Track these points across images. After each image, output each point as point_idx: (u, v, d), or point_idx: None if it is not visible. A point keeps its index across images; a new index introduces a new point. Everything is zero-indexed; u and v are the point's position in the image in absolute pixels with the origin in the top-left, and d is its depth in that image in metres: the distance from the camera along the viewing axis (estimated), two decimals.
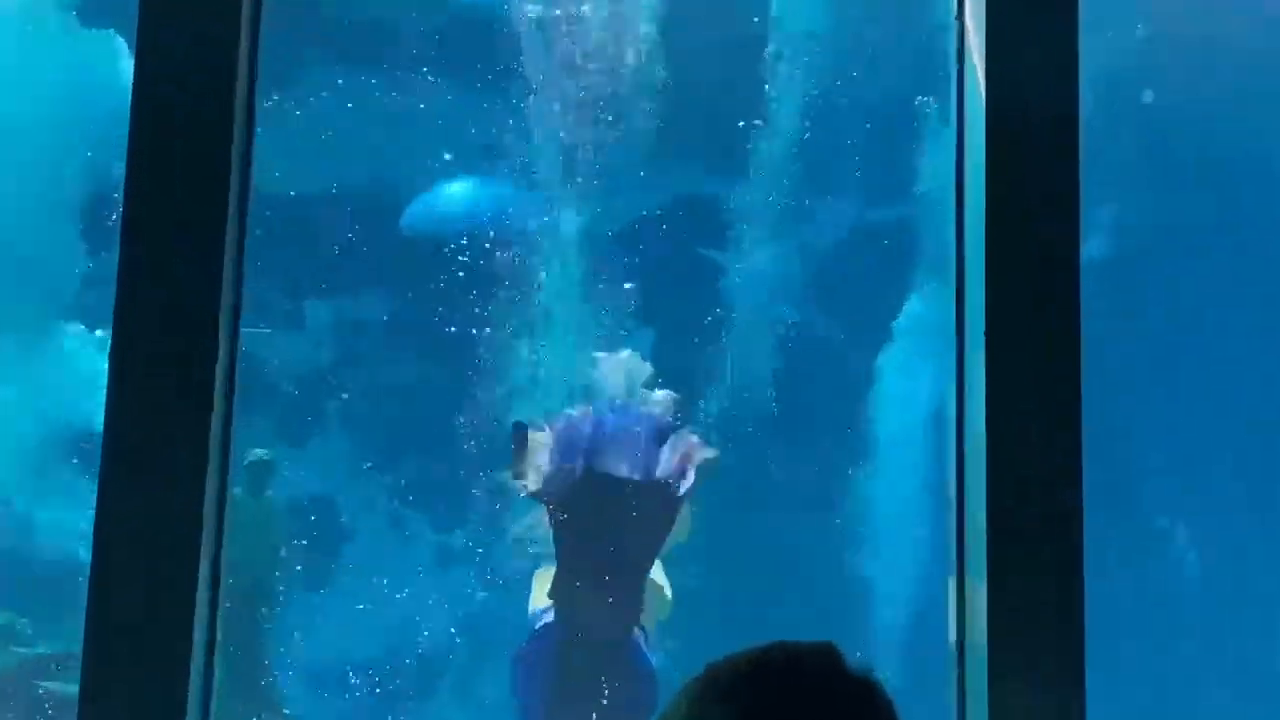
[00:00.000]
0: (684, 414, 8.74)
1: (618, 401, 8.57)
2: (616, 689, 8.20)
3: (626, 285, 15.49)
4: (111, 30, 14.31)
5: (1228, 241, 16.34)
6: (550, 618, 8.36)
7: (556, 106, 15.27)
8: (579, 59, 15.17)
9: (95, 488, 3.28)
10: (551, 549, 8.58)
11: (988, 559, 3.19)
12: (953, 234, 3.47)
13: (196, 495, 3.25)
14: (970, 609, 3.31)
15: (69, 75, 14.68)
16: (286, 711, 13.60)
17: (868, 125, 15.96)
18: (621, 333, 15.73)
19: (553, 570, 8.52)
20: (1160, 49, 15.69)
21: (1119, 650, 12.71)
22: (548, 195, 15.71)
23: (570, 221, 15.60)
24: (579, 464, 8.17)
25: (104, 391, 3.28)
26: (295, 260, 15.72)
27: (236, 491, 12.38)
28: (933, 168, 14.92)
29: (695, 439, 8.42)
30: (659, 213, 16.52)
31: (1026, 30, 3.34)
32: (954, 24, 3.49)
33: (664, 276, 15.76)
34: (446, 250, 16.08)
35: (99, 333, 14.00)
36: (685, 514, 8.49)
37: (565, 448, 8.26)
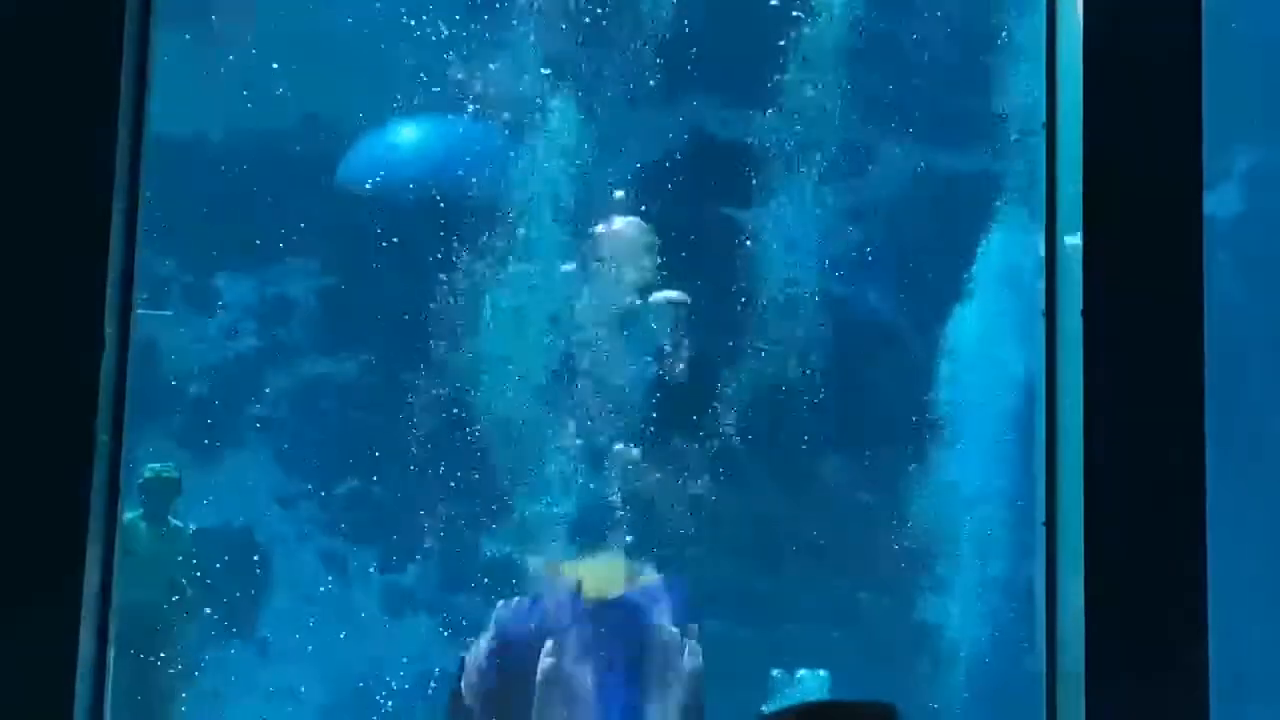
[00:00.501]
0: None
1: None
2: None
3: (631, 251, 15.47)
4: None
5: None
6: None
7: (532, 25, 15.27)
8: None
9: None
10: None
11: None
12: (1042, 188, 3.47)
13: (78, 523, 3.24)
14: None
15: None
16: None
17: (929, 54, 15.96)
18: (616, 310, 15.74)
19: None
20: None
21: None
22: (523, 140, 15.69)
23: (554, 173, 15.59)
24: None
25: None
26: (203, 224, 15.69)
27: (130, 518, 12.40)
28: (1016, 107, 14.91)
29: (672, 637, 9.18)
30: (668, 161, 16.51)
31: None
32: None
33: (676, 242, 15.76)
34: (394, 211, 16.05)
35: None
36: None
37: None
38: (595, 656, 8.98)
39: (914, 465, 15.88)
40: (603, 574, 9.25)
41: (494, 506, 15.79)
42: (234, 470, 16.50)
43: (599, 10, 15.33)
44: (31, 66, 3.41)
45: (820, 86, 15.96)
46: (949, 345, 16.14)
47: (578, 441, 15.40)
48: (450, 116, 16.54)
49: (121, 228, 3.39)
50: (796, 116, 16.09)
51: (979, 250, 15.88)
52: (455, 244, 15.64)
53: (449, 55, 15.80)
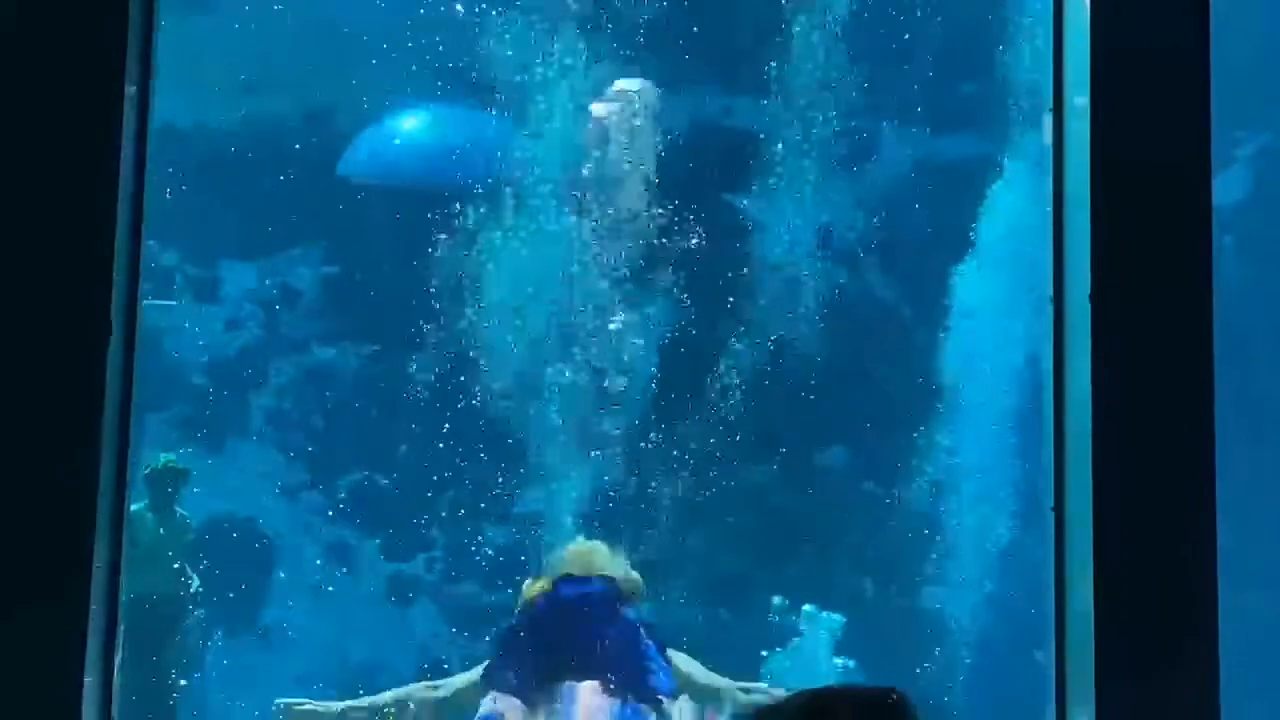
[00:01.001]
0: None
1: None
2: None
3: (631, 243, 15.49)
4: None
5: None
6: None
7: (534, 13, 15.26)
8: None
9: None
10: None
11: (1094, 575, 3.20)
12: (1049, 171, 3.47)
13: (86, 514, 3.24)
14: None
15: None
16: None
17: (931, 39, 15.94)
18: (620, 298, 15.74)
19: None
20: None
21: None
22: (524, 129, 15.70)
23: (556, 163, 15.60)
24: None
25: None
26: (206, 214, 15.69)
27: (136, 508, 12.41)
28: (1021, 87, 14.90)
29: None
30: (671, 148, 16.50)
31: None
32: None
33: (678, 230, 15.76)
34: (397, 201, 16.05)
35: None
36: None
37: None
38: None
39: (917, 451, 15.89)
40: (584, 555, 9.43)
41: (502, 494, 15.83)
42: (239, 460, 16.51)
43: None
44: (36, 57, 3.41)
45: (821, 73, 15.96)
46: (952, 326, 16.16)
47: (578, 429, 15.43)
48: (452, 106, 16.54)
49: (127, 218, 3.39)
50: (798, 104, 16.09)
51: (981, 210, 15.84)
52: (456, 232, 15.65)
53: (453, 44, 15.80)
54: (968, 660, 15.36)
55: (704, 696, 9.60)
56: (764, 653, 14.34)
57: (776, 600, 14.84)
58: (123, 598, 3.48)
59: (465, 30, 15.53)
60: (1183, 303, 3.42)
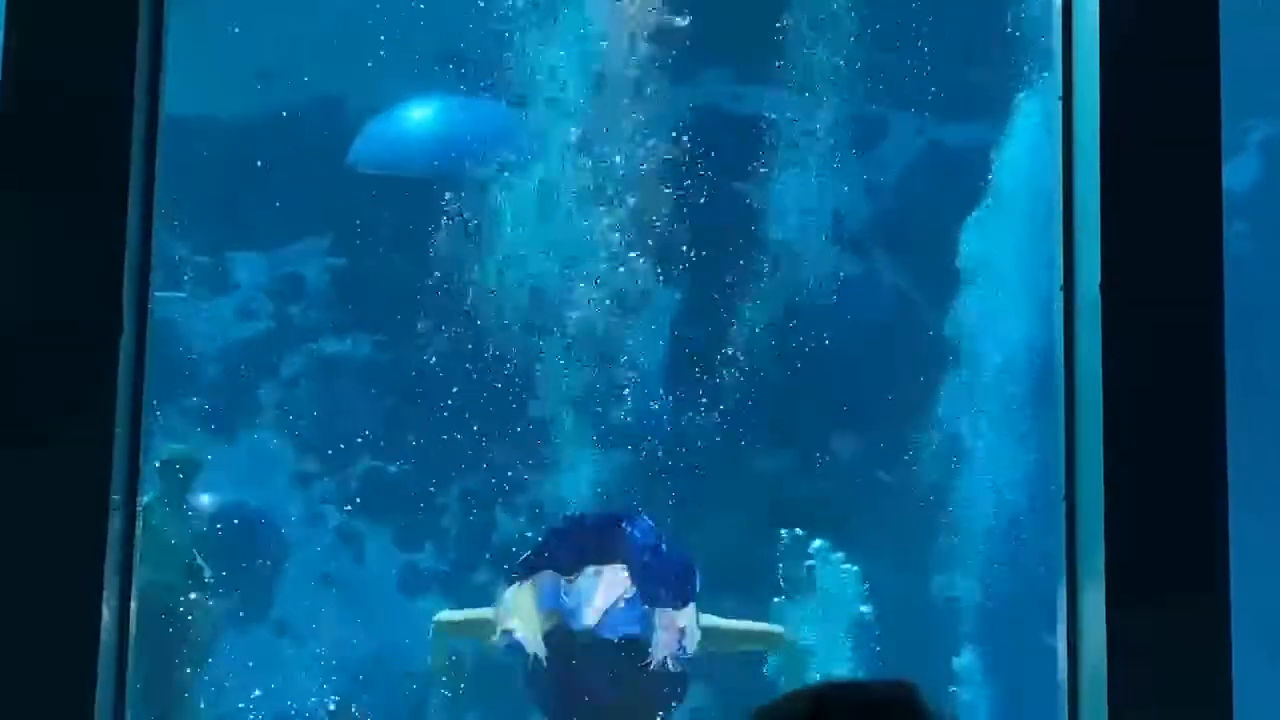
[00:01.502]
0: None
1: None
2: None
3: (641, 230, 15.48)
4: None
5: None
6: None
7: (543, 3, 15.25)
8: None
9: None
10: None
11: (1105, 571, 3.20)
12: (1059, 157, 3.46)
13: (99, 506, 3.25)
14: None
15: None
16: None
17: (940, 26, 15.92)
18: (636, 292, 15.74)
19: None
20: None
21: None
22: (535, 117, 15.68)
23: (565, 151, 15.58)
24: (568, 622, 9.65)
25: None
26: (216, 205, 15.70)
27: (148, 499, 12.42)
28: (1029, 72, 14.88)
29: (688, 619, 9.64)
30: (680, 137, 16.49)
31: None
32: None
33: (689, 217, 15.74)
34: (407, 190, 16.05)
35: None
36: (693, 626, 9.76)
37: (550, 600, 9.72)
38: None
39: (930, 440, 15.88)
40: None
41: (513, 482, 15.84)
42: (250, 450, 16.52)
43: None
44: (46, 49, 3.41)
45: (831, 60, 15.94)
46: (961, 319, 16.14)
47: (589, 418, 15.44)
48: (462, 96, 16.53)
49: (138, 210, 3.40)
50: (808, 90, 16.07)
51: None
52: (465, 223, 15.65)
53: (460, 31, 15.79)
54: (979, 646, 15.36)
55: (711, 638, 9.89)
56: (776, 599, 14.41)
57: (784, 534, 14.88)
58: (136, 586, 3.49)
59: (473, 17, 15.51)
60: (1194, 289, 3.42)
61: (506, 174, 15.75)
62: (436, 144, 16.31)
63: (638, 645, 9.58)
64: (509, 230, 15.63)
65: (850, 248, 16.69)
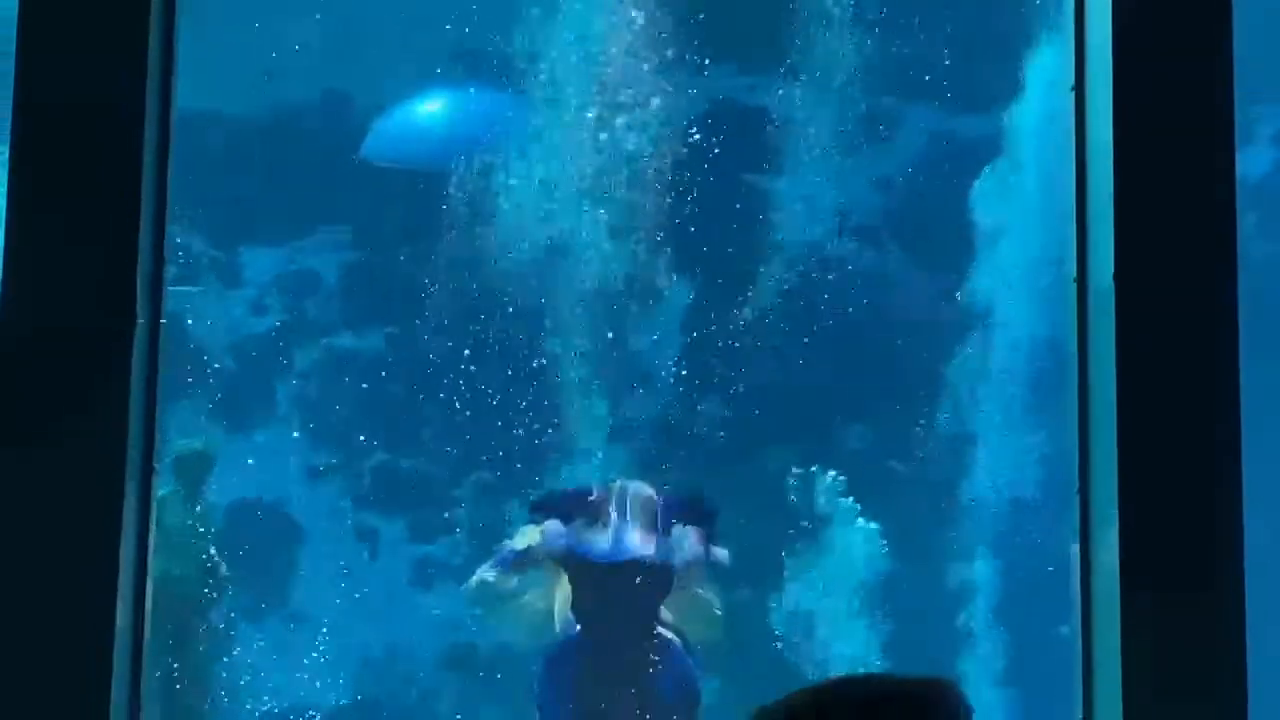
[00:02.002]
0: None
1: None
2: (652, 689, 9.85)
3: (653, 223, 15.47)
4: None
5: None
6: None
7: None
8: None
9: None
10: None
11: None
12: (1071, 149, 3.45)
13: (114, 501, 3.24)
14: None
15: None
16: None
17: (951, 17, 15.89)
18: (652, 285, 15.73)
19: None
20: None
21: None
22: (545, 111, 15.67)
23: (576, 144, 15.57)
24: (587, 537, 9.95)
25: None
26: (229, 200, 15.70)
27: (162, 494, 12.43)
28: (1042, 61, 14.85)
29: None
30: (690, 129, 16.47)
31: None
32: None
33: (698, 210, 15.72)
34: (418, 184, 16.04)
35: None
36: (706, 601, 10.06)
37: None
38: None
39: (941, 429, 15.87)
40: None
41: (527, 476, 15.84)
42: (264, 444, 16.53)
43: None
44: (58, 45, 3.41)
45: (842, 52, 15.91)
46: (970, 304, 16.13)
47: (602, 411, 15.44)
48: (472, 88, 16.53)
49: (150, 206, 3.39)
50: (819, 83, 16.05)
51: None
52: (477, 217, 15.65)
53: (472, 25, 15.78)
54: (993, 635, 15.35)
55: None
56: (783, 553, 14.45)
57: (794, 472, 14.93)
58: (151, 581, 3.49)
59: (482, 11, 15.50)
60: (1207, 280, 3.40)
61: (518, 167, 15.74)
62: (449, 137, 16.30)
63: (654, 570, 9.76)
64: (520, 224, 15.62)
65: (862, 240, 16.67)
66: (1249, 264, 3.62)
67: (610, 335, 15.55)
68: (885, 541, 14.86)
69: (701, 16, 15.51)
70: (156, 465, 3.52)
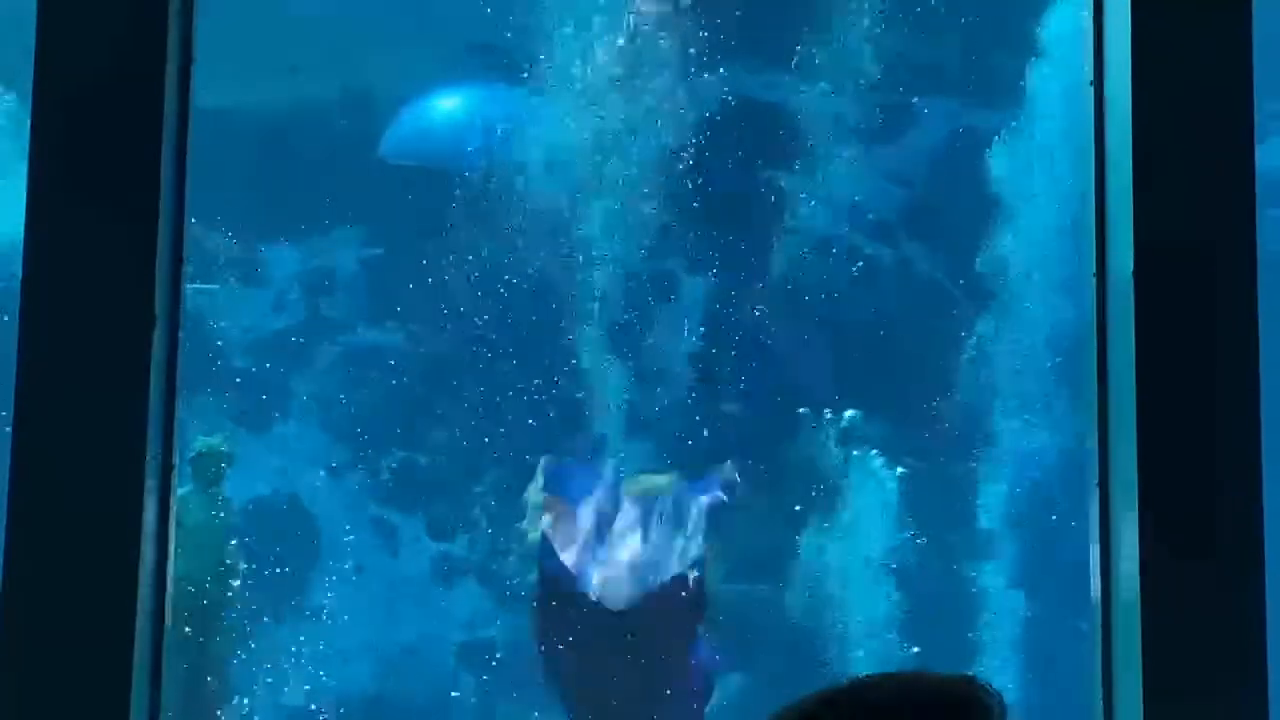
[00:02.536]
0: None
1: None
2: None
3: (672, 220, 15.47)
4: None
5: None
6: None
7: None
8: None
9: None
10: None
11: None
12: (1090, 140, 3.44)
13: (133, 499, 3.24)
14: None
15: None
16: None
17: (967, 12, 15.87)
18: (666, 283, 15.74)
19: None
20: None
21: None
22: (564, 108, 15.67)
23: (594, 141, 15.57)
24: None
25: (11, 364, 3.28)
26: (250, 197, 15.72)
27: (182, 492, 12.45)
28: (1059, 55, 14.82)
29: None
30: (709, 127, 16.47)
31: None
32: None
33: (718, 206, 15.72)
34: (437, 181, 16.05)
35: None
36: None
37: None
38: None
39: (962, 427, 15.85)
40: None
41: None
42: (284, 441, 16.55)
43: None
44: (78, 41, 3.41)
45: (859, 48, 15.90)
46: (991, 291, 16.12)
47: (620, 405, 15.45)
48: (491, 85, 16.53)
49: (170, 202, 3.39)
50: (836, 78, 16.03)
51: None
52: (494, 213, 15.65)
53: (490, 22, 15.78)
54: (1013, 632, 15.34)
55: None
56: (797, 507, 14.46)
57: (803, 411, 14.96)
58: (170, 579, 3.49)
59: (501, 7, 15.51)
60: (1227, 273, 3.39)
61: (534, 163, 15.75)
62: (467, 135, 16.30)
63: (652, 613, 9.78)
64: (536, 220, 15.62)
65: (879, 235, 16.65)
66: (1266, 258, 3.61)
67: (628, 330, 15.55)
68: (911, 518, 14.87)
69: (718, 19, 15.51)
70: (176, 462, 3.52)
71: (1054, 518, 14.66)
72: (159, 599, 3.41)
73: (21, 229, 3.43)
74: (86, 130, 3.43)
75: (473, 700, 15.84)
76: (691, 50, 15.58)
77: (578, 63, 15.45)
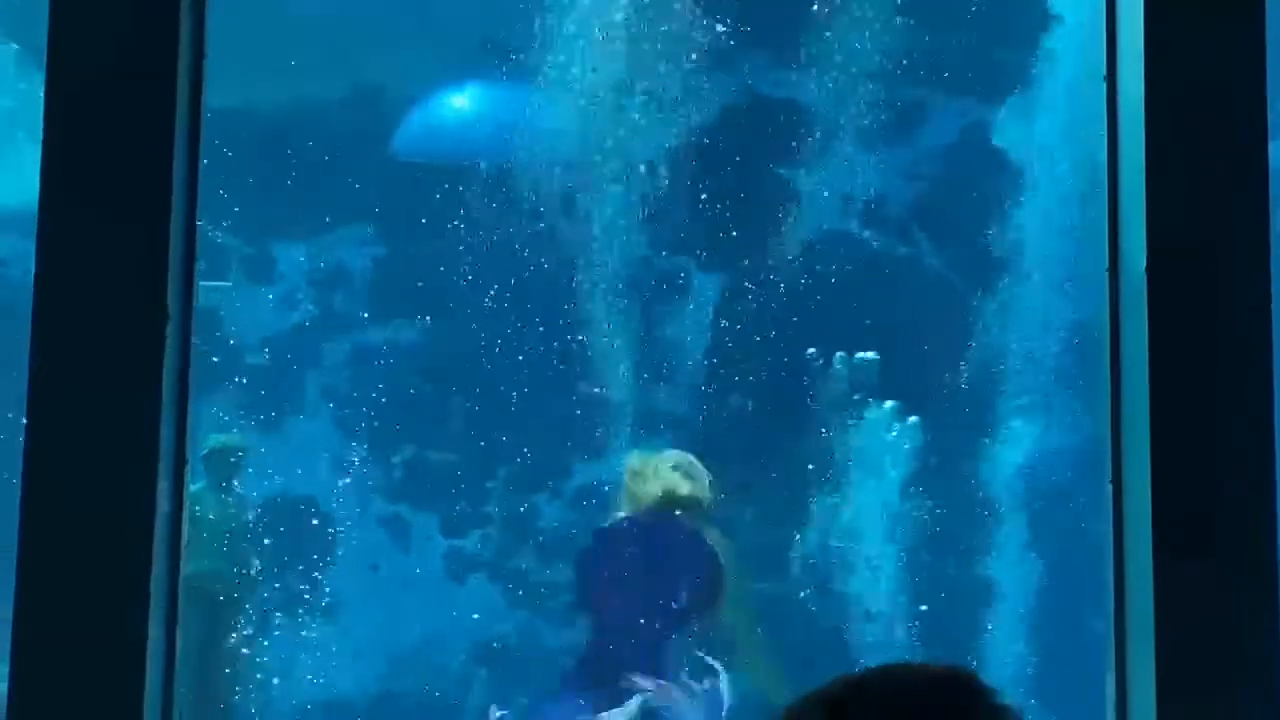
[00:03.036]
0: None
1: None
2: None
3: (682, 215, 15.46)
4: None
5: None
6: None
7: None
8: None
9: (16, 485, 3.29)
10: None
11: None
12: (1103, 137, 3.43)
13: (146, 497, 3.24)
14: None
15: None
16: None
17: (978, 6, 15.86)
18: (679, 280, 15.74)
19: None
20: None
21: None
22: (576, 105, 15.67)
23: (607, 137, 15.57)
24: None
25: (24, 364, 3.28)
26: (260, 195, 15.73)
27: (195, 489, 12.46)
28: (1071, 48, 14.81)
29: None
30: (718, 121, 16.45)
31: None
32: None
33: (728, 202, 15.71)
34: (448, 178, 16.06)
35: None
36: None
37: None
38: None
39: (972, 422, 15.84)
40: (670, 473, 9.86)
41: (557, 468, 15.86)
42: (296, 438, 16.56)
43: None
44: (87, 41, 3.41)
45: (870, 44, 15.89)
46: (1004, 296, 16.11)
47: (631, 403, 15.45)
48: (501, 82, 16.54)
49: (182, 200, 3.39)
50: (848, 74, 16.02)
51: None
52: (506, 210, 15.66)
53: (501, 19, 15.79)
54: (1024, 629, 15.35)
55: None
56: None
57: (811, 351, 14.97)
58: (183, 576, 3.49)
59: (512, 2, 15.51)
60: (1241, 271, 3.38)
61: (545, 160, 15.75)
62: (478, 132, 16.31)
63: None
64: (548, 217, 15.63)
65: (891, 232, 16.64)
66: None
67: (640, 327, 15.56)
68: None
69: (726, 18, 15.50)
70: (189, 459, 3.52)
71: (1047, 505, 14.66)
72: (171, 596, 3.41)
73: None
74: (98, 127, 3.43)
75: (486, 697, 15.84)
76: (701, 46, 15.58)
77: (586, 60, 15.45)
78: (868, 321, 15.78)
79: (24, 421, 3.36)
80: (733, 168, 15.72)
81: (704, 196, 15.61)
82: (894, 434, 15.05)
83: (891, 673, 2.12)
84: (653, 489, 9.79)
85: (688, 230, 15.74)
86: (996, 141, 16.17)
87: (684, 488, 9.82)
